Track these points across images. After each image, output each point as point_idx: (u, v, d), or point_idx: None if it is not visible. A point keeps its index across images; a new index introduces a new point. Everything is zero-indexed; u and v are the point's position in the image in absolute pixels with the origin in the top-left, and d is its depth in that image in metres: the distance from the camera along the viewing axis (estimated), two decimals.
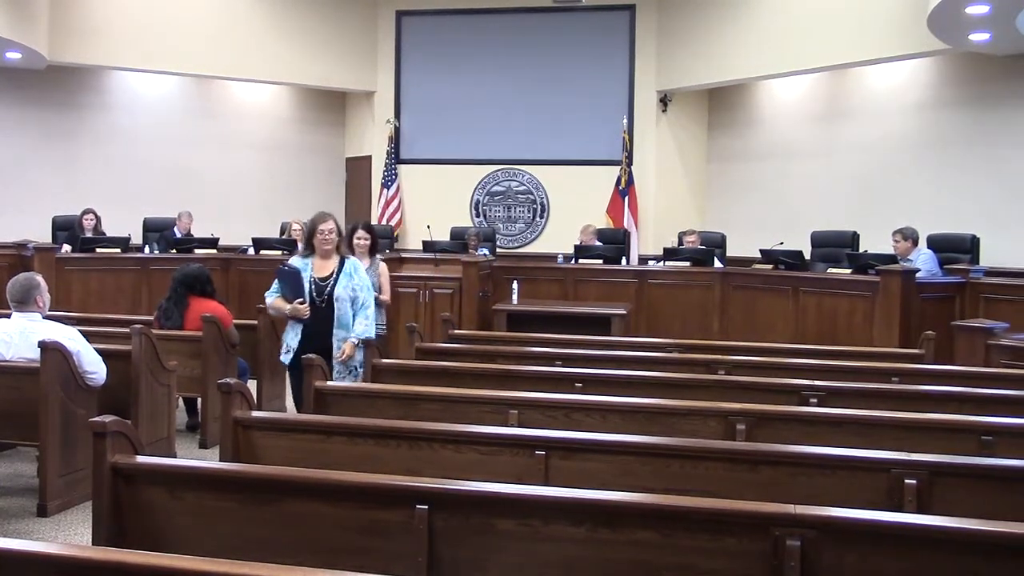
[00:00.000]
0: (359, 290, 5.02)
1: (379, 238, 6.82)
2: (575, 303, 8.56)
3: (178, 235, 9.65)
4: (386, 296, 6.27)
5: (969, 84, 8.78)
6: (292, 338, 5.00)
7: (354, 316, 5.00)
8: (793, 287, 7.93)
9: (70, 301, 8.12)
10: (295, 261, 5.09)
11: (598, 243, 9.75)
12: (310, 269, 5.02)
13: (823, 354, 5.68)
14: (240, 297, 8.81)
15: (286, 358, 5.02)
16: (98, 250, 8.88)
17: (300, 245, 5.23)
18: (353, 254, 5.52)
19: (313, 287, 4.98)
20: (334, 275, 5.01)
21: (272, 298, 5.08)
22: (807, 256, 8.65)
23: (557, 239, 10.86)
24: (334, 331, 4.95)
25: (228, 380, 3.46)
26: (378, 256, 6.32)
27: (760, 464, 3.03)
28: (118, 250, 8.93)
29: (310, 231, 5.06)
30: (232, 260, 9.28)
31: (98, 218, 9.58)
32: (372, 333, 5.05)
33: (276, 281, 5.05)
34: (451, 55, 11.69)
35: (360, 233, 6.16)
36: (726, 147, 11.42)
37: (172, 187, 11.09)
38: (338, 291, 4.97)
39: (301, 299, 4.91)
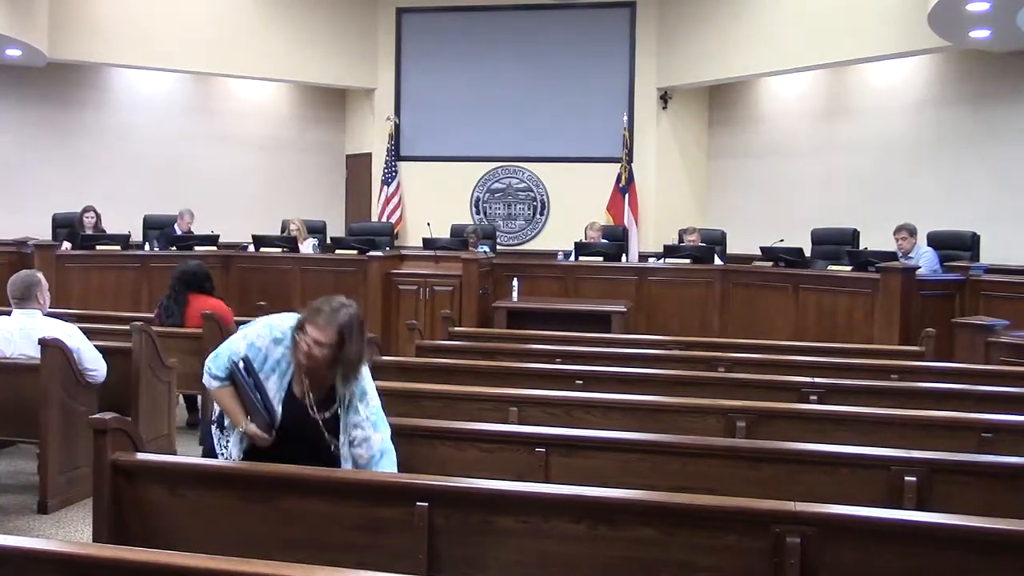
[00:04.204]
0: (369, 425, 3.03)
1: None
2: (575, 300, 8.56)
3: (179, 232, 9.65)
4: None
5: (970, 81, 8.77)
6: (234, 445, 3.08)
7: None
8: (793, 284, 7.92)
9: (70, 298, 8.10)
10: (268, 345, 3.02)
11: (604, 240, 9.75)
12: (288, 375, 3.02)
13: (823, 351, 5.68)
14: (240, 294, 8.81)
15: (219, 449, 3.15)
16: (98, 247, 8.87)
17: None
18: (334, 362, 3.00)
19: (302, 414, 3.02)
20: (335, 401, 3.04)
21: (218, 385, 3.04)
22: (807, 253, 8.64)
23: (557, 236, 10.85)
24: None
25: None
26: None
27: (760, 461, 3.03)
28: (118, 248, 8.92)
29: (299, 323, 2.98)
30: (232, 257, 9.28)
31: (98, 216, 9.57)
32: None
33: (227, 350, 3.06)
34: (451, 52, 11.68)
35: None
36: (726, 144, 11.41)
37: (172, 184, 11.07)
38: (343, 438, 3.02)
39: (264, 435, 2.99)
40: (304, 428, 3.01)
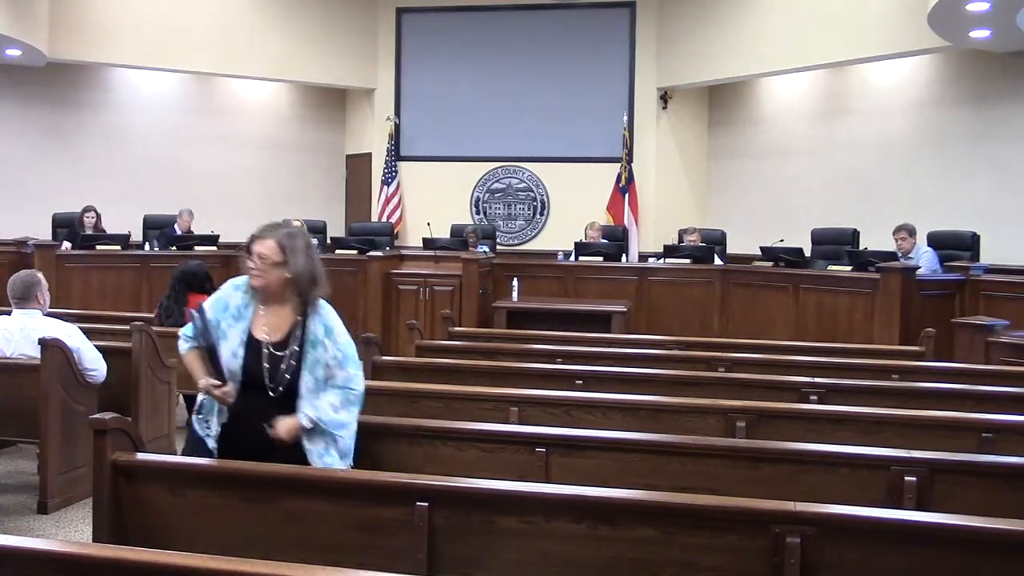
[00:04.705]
0: (335, 364, 3.03)
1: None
2: (575, 300, 8.56)
3: (178, 232, 9.65)
4: None
5: (970, 81, 8.77)
6: (209, 410, 3.08)
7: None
8: (793, 284, 7.93)
9: (70, 298, 8.11)
10: (229, 293, 3.09)
11: (604, 240, 9.75)
12: (248, 319, 3.04)
13: (823, 351, 5.68)
14: None
15: (202, 431, 3.09)
16: (98, 247, 8.88)
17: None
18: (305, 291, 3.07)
19: (260, 356, 3.01)
20: (295, 340, 3.03)
21: (188, 346, 3.13)
22: (807, 253, 8.65)
23: (557, 236, 10.85)
24: (303, 440, 3.00)
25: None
26: None
27: (760, 461, 3.03)
28: (118, 247, 8.93)
29: (246, 246, 3.06)
30: (232, 257, 9.26)
31: (99, 215, 9.58)
32: (346, 432, 3.04)
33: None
34: (451, 52, 11.68)
35: None
36: (726, 144, 11.41)
37: (172, 184, 11.08)
38: (305, 379, 3.00)
39: (217, 383, 2.96)
40: (276, 378, 3.01)
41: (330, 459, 3.02)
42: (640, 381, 4.50)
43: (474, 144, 11.64)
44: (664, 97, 11.25)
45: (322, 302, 3.10)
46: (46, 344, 4.47)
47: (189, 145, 11.54)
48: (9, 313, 4.74)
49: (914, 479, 2.85)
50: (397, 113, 11.79)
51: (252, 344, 3.02)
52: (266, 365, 3.00)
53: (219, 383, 2.97)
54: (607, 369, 4.76)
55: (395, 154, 11.69)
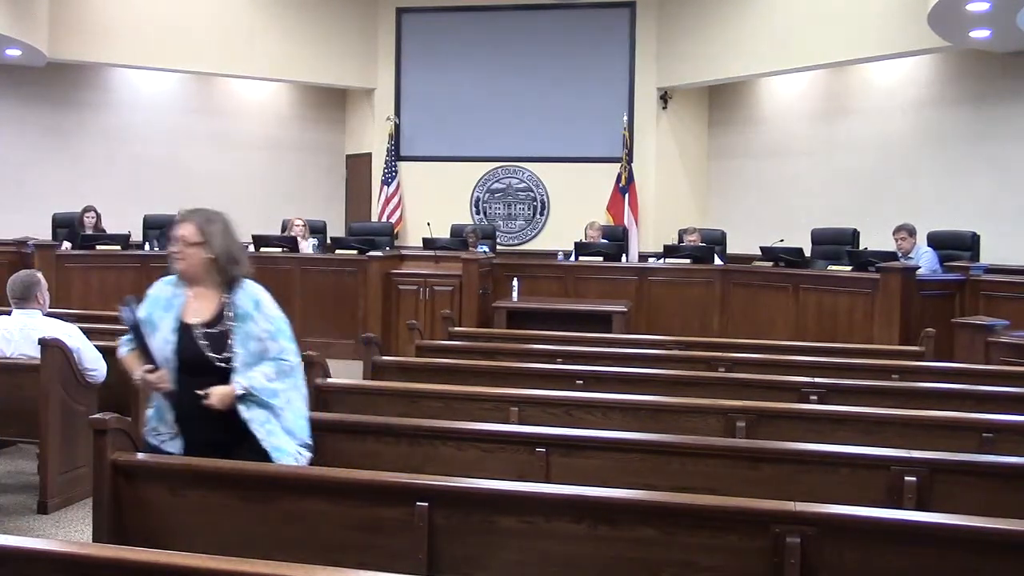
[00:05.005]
0: (268, 336, 3.04)
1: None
2: (575, 300, 8.56)
3: None
4: None
5: (970, 81, 8.77)
6: (157, 417, 3.08)
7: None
8: (793, 284, 7.93)
9: (70, 298, 8.11)
10: (160, 289, 3.13)
11: (603, 240, 9.75)
12: (178, 307, 3.07)
13: (823, 351, 5.68)
14: None
15: (156, 441, 3.05)
16: (98, 247, 8.88)
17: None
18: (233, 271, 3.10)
19: (193, 338, 3.03)
20: (227, 317, 3.05)
21: (126, 349, 3.13)
22: (807, 253, 8.65)
23: (557, 236, 10.86)
24: (242, 411, 2.98)
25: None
26: None
27: (760, 461, 3.03)
28: (118, 248, 8.93)
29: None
30: None
31: (98, 215, 9.58)
32: (280, 402, 3.02)
33: None
34: (451, 52, 11.68)
35: None
36: (727, 144, 11.41)
37: (172, 184, 11.07)
38: (239, 352, 3.01)
39: (150, 367, 2.96)
40: (202, 358, 3.02)
41: (271, 426, 3.00)
42: (640, 381, 4.50)
43: (474, 144, 11.64)
44: (664, 97, 11.26)
45: (248, 280, 3.13)
46: (46, 344, 4.47)
47: (189, 145, 11.54)
48: (9, 313, 4.74)
49: (914, 479, 2.86)
50: (397, 113, 11.79)
51: (184, 329, 3.05)
52: (203, 342, 3.02)
53: (152, 367, 2.98)
54: (607, 369, 4.76)
55: (395, 154, 11.69)
